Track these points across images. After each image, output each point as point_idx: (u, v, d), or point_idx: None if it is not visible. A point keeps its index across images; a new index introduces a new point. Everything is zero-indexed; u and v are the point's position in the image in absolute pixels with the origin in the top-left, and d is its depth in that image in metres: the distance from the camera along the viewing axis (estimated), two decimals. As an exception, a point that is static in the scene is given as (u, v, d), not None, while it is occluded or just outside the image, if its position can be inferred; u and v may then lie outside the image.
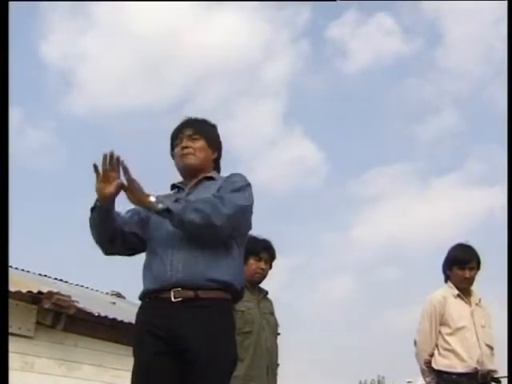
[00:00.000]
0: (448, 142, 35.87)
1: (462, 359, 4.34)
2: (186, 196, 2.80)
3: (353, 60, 33.84)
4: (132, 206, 2.78)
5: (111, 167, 2.59)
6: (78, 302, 7.48)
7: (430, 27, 28.27)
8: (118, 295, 12.80)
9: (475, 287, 4.66)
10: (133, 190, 2.61)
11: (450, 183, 40.36)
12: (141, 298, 2.77)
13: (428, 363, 4.46)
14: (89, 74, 27.64)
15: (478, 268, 4.59)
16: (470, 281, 4.56)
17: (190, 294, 2.61)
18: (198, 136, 2.94)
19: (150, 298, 2.69)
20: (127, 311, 8.02)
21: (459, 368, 4.33)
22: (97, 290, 11.77)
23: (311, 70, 33.72)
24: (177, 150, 2.94)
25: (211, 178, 2.91)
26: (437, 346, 4.46)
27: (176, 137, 2.98)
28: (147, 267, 2.75)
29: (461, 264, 4.55)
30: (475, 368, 4.31)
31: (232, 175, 2.87)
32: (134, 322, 2.82)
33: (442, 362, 4.40)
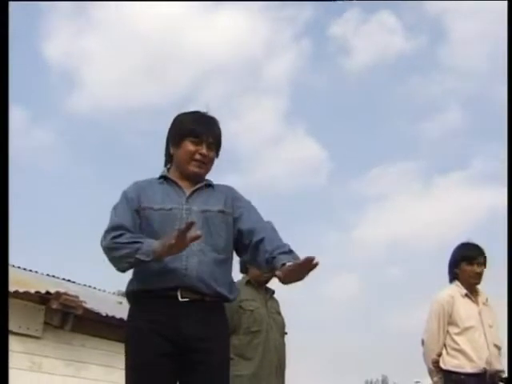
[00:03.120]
0: (452, 141, 35.83)
1: (470, 359, 4.32)
2: (186, 201, 2.75)
3: (355, 58, 33.85)
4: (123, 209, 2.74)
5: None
6: (85, 302, 7.51)
7: (433, 25, 28.27)
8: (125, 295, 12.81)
9: (482, 286, 4.66)
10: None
11: (453, 182, 40.32)
12: (140, 293, 2.69)
13: (436, 363, 4.44)
14: (92, 74, 27.75)
15: (485, 266, 4.59)
16: (480, 276, 4.55)
17: (197, 296, 2.63)
18: (213, 147, 2.85)
19: (155, 295, 2.63)
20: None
21: (468, 368, 4.32)
22: (104, 290, 11.81)
23: (314, 68, 33.76)
24: (191, 147, 2.79)
25: (210, 185, 2.87)
26: (445, 345, 4.44)
27: (197, 135, 2.80)
28: (156, 263, 2.63)
29: (469, 260, 4.55)
30: (484, 368, 4.30)
31: (235, 190, 2.90)
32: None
33: (450, 362, 4.39)
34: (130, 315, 2.73)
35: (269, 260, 2.60)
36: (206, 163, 2.83)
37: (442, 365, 4.42)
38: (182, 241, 2.46)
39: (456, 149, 36.61)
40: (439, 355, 4.44)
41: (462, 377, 4.32)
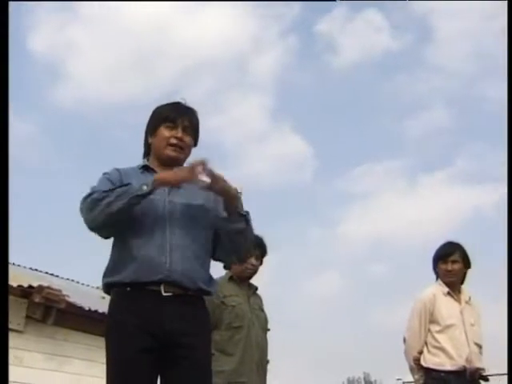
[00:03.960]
0: (437, 139, 36.05)
1: (450, 357, 4.36)
2: (169, 194, 2.72)
3: (342, 55, 34.01)
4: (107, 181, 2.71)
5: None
6: (68, 296, 7.48)
7: (419, 24, 28.39)
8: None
9: (465, 285, 4.69)
10: (218, 180, 2.63)
11: (438, 180, 40.57)
12: (121, 285, 2.63)
13: (417, 360, 4.47)
14: (77, 67, 27.60)
15: (466, 264, 4.62)
16: (454, 274, 4.58)
17: (180, 291, 2.62)
18: (190, 131, 2.85)
19: (137, 288, 2.60)
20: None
21: (448, 366, 4.35)
22: (87, 285, 11.75)
23: (300, 65, 33.87)
24: (166, 132, 2.80)
25: None
26: (426, 343, 4.47)
27: (171, 119, 2.81)
28: (137, 253, 2.61)
29: (443, 257, 4.60)
30: (464, 366, 4.34)
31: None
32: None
33: (430, 360, 4.42)
34: (111, 308, 2.69)
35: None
36: (183, 147, 2.82)
37: (422, 362, 4.45)
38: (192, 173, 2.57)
39: (441, 147, 36.91)
40: (420, 353, 4.47)
41: (443, 374, 4.35)
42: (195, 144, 2.91)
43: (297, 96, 33.44)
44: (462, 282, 4.66)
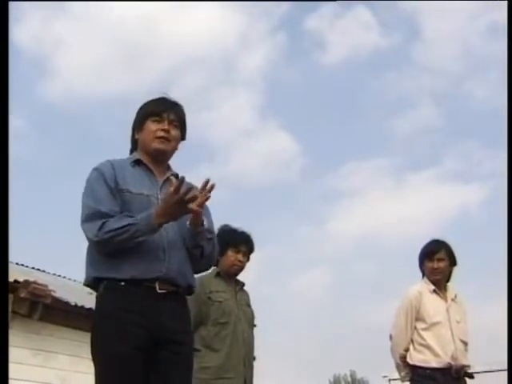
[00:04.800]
0: (424, 138, 36.20)
1: (436, 354, 4.38)
2: (160, 191, 2.74)
3: (330, 53, 34.04)
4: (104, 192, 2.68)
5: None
6: (54, 291, 7.45)
7: (408, 22, 28.48)
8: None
9: (451, 283, 4.71)
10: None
11: (425, 179, 40.75)
12: (115, 281, 2.60)
13: (403, 358, 4.50)
14: (64, 61, 27.45)
15: (452, 262, 4.64)
16: (440, 272, 4.60)
17: (173, 288, 2.64)
18: (177, 124, 2.86)
19: (132, 284, 2.57)
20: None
21: (433, 363, 4.38)
22: (74, 280, 11.69)
23: (288, 62, 33.88)
24: (153, 126, 2.81)
25: (177, 176, 2.82)
26: (412, 341, 4.50)
27: (157, 113, 2.83)
28: (135, 250, 2.59)
29: (429, 255, 4.62)
30: (449, 363, 4.36)
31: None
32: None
33: (416, 357, 4.45)
34: (102, 303, 2.65)
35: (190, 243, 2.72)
36: (170, 140, 2.82)
37: (408, 360, 4.47)
38: (180, 202, 2.52)
39: (428, 146, 37.03)
40: (406, 350, 4.49)
41: (428, 371, 4.38)
42: (183, 137, 2.92)
43: (285, 93, 33.50)
44: (447, 280, 4.69)
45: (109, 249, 2.61)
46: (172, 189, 2.52)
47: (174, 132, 2.84)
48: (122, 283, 2.59)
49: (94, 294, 2.72)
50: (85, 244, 2.70)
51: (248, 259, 4.34)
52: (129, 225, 2.56)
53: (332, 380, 34.49)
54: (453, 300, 4.62)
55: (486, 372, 6.05)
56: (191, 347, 2.76)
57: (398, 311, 4.59)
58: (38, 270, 10.45)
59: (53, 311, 7.50)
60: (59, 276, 11.27)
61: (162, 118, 2.82)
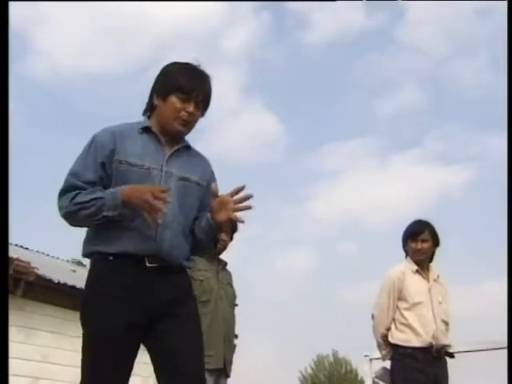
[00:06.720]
0: (408, 119, 36.27)
1: (417, 334, 4.41)
2: (166, 163, 2.63)
3: (315, 32, 33.83)
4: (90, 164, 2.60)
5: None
6: (37, 268, 7.43)
7: (393, 3, 28.35)
8: (79, 263, 12.69)
9: (434, 264, 4.74)
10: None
11: (408, 160, 40.85)
12: (106, 255, 2.55)
13: (385, 337, 4.53)
14: (49, 39, 27.11)
15: (435, 243, 4.66)
16: (423, 253, 4.63)
17: (163, 263, 2.56)
18: (201, 106, 2.69)
19: (120, 258, 2.52)
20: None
21: (414, 342, 4.41)
22: (57, 258, 11.66)
23: (273, 41, 33.67)
24: (178, 104, 2.62)
25: (188, 148, 2.76)
26: (394, 320, 4.52)
27: (186, 91, 2.63)
28: (127, 225, 2.53)
29: (413, 236, 4.64)
30: (430, 342, 4.40)
31: (211, 165, 2.86)
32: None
33: (398, 336, 4.48)
34: (93, 278, 2.60)
35: (197, 232, 2.69)
36: (191, 122, 2.68)
37: (390, 339, 4.50)
38: (153, 207, 2.43)
39: (411, 127, 37.10)
40: (388, 329, 4.52)
41: (409, 350, 4.41)
42: (203, 115, 2.76)
43: (269, 72, 33.34)
44: (430, 260, 4.72)
45: (77, 222, 2.57)
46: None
47: (198, 113, 2.69)
48: (111, 257, 2.53)
49: (78, 271, 2.70)
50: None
51: (231, 239, 4.33)
52: (95, 199, 2.50)
53: (315, 359, 34.69)
54: (435, 280, 4.64)
55: (466, 352, 6.10)
56: (196, 309, 2.67)
57: (381, 291, 4.62)
58: (21, 247, 10.38)
59: (36, 288, 7.48)
60: (42, 253, 11.21)
61: (189, 97, 2.63)
